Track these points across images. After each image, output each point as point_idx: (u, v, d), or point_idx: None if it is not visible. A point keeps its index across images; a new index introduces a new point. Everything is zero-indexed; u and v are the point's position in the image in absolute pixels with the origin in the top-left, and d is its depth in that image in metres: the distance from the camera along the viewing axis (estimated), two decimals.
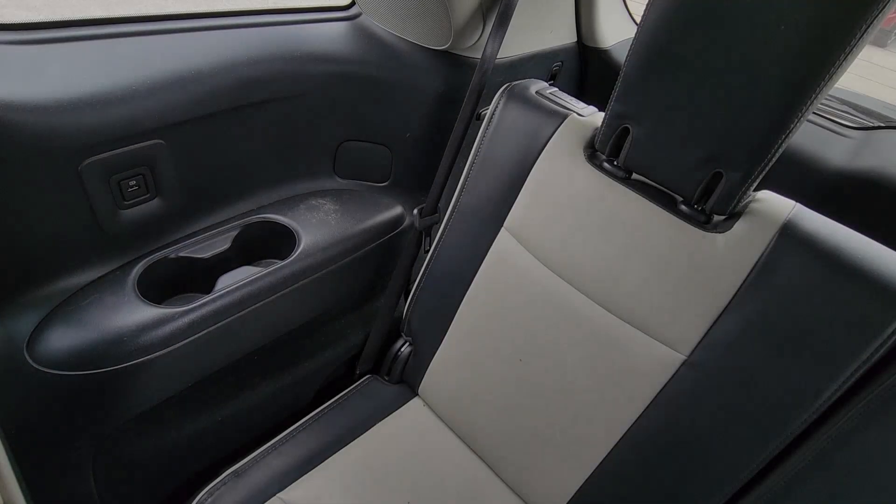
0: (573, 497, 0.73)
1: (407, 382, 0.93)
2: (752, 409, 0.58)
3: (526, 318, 0.73)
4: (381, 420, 0.86)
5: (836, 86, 0.51)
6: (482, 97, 0.79)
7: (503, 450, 0.80)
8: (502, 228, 0.74)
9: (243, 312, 0.73)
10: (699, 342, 0.60)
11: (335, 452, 0.79)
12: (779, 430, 0.57)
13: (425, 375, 0.88)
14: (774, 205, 0.58)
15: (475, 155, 0.75)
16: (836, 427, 0.54)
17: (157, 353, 0.66)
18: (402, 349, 0.91)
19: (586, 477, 0.71)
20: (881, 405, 0.51)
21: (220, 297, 0.71)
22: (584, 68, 1.08)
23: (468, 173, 0.76)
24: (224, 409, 0.81)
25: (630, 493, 0.68)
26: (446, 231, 0.80)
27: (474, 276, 0.78)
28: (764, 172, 0.53)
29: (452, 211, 0.79)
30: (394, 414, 0.88)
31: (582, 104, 0.73)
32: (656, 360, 0.63)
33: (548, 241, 0.70)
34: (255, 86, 0.74)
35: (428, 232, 0.88)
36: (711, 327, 0.60)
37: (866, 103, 1.00)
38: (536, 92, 0.73)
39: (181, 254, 0.75)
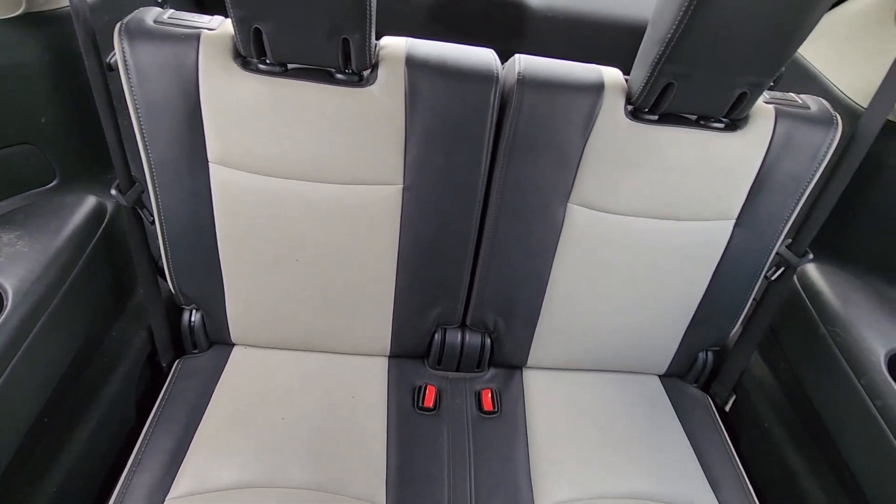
0: (393, 321, 0.93)
1: (218, 342, 0.96)
2: (457, 196, 0.81)
3: (278, 225, 0.82)
4: (216, 385, 0.90)
5: None
6: (102, 46, 0.73)
7: (327, 330, 0.94)
8: (210, 164, 0.77)
9: None
10: (404, 170, 0.79)
11: (193, 435, 0.82)
12: (472, 198, 0.82)
13: (229, 325, 0.92)
14: (394, 46, 0.75)
15: (135, 108, 0.72)
16: (498, 176, 0.80)
17: None
18: (193, 318, 0.92)
19: (392, 306, 0.91)
20: (511, 149, 0.78)
21: None
22: None
23: (141, 129, 0.74)
24: (55, 475, 0.74)
25: (423, 298, 0.91)
26: (158, 193, 0.79)
27: (213, 218, 0.81)
28: (373, 25, 0.68)
29: (151, 172, 0.77)
30: (224, 373, 0.92)
31: (207, 17, 0.74)
32: (388, 199, 0.81)
33: (256, 153, 0.76)
34: None
35: (141, 204, 0.84)
36: (406, 155, 0.78)
37: None
38: (155, 22, 0.71)
39: None
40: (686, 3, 0.60)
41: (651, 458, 0.88)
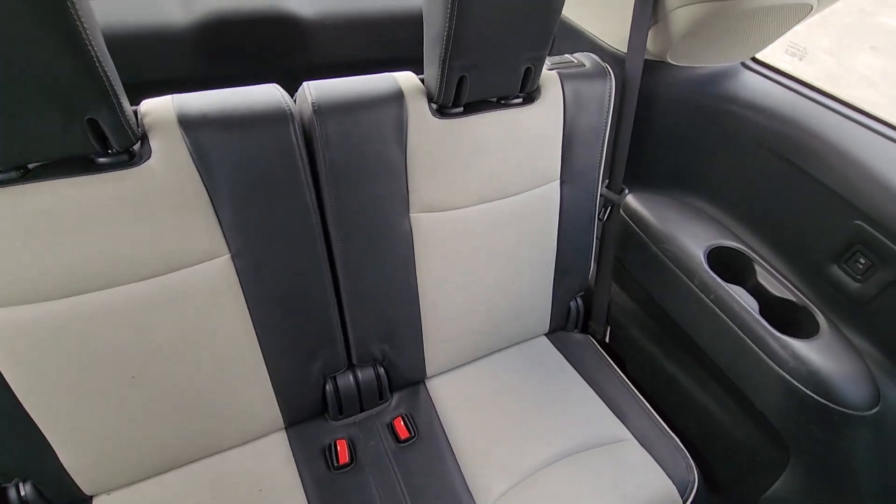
0: (275, 393, 0.84)
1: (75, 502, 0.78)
2: (296, 244, 0.74)
3: (89, 350, 0.67)
4: None
5: None
6: None
7: (204, 432, 0.82)
8: None
9: None
10: (225, 238, 0.70)
11: None
12: (313, 241, 0.76)
13: (74, 480, 0.75)
14: (160, 108, 0.64)
15: None
16: (331, 209, 0.75)
17: None
18: (24, 491, 0.73)
19: (269, 378, 0.82)
20: (334, 180, 0.73)
21: None
22: None
23: None
24: None
25: (299, 356, 0.84)
26: None
27: (4, 379, 0.64)
28: (121, 94, 0.57)
29: None
30: None
31: None
32: (219, 273, 0.71)
33: (21, 279, 0.61)
34: None
35: None
36: (220, 222, 0.69)
37: None
38: None
39: None
40: (449, 2, 0.60)
41: (563, 413, 0.94)
